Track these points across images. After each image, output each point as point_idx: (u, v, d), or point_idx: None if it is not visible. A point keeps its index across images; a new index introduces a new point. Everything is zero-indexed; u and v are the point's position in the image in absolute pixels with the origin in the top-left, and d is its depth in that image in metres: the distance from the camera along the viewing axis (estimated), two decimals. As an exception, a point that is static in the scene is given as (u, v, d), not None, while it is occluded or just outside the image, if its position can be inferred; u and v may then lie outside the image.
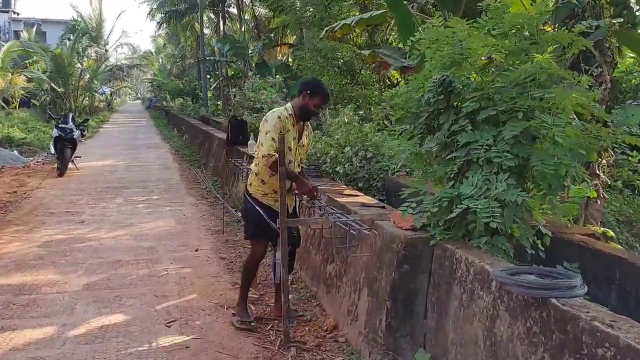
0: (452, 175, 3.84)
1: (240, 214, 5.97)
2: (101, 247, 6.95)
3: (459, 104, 4.01)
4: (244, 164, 7.74)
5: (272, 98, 15.42)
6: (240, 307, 4.67)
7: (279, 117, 4.35)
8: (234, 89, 21.90)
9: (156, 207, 9.60)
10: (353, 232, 3.82)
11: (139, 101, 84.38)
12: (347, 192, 5.71)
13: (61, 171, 12.84)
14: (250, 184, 4.53)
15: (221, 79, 29.03)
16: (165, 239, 7.41)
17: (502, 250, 3.61)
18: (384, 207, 4.94)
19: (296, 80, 21.48)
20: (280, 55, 28.63)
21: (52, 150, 13.25)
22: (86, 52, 40.86)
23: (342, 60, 12.00)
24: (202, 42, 30.91)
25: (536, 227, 3.81)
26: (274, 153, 4.24)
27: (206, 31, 41.14)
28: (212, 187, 11.34)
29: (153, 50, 70.93)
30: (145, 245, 7.10)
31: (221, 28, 31.62)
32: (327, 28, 9.84)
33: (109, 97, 54.89)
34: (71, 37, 37.45)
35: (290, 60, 27.52)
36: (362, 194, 5.77)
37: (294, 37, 26.00)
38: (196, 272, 5.98)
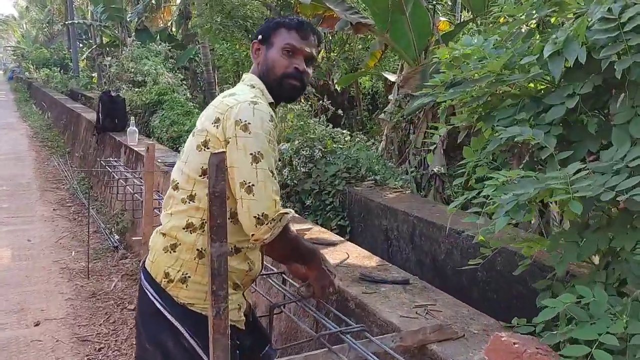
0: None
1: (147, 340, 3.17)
2: None
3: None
4: (120, 167, 4.96)
5: (157, 69, 12.42)
6: None
7: (271, 118, 1.79)
8: (108, 58, 18.47)
9: (-12, 225, 6.51)
10: None
11: (1, 71, 75.68)
12: (310, 234, 3.19)
13: None
14: (172, 279, 1.82)
15: (94, 47, 25.00)
16: (-14, 295, 4.50)
17: None
18: (407, 281, 2.47)
19: (183, 49, 18.47)
20: (162, 23, 25.29)
21: None
22: None
23: (250, 21, 9.27)
24: (70, 2, 26.55)
25: None
26: (284, 210, 1.78)
27: (77, -7, 36.30)
28: (77, 188, 8.30)
29: (16, 15, 63.47)
30: (-54, 314, 4.17)
31: (94, -11, 27.39)
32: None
33: (-40, 65, 47.88)
34: None
35: (174, 29, 24.25)
36: (338, 236, 3.25)
37: (178, 0, 22.84)
38: (28, 389, 3.23)
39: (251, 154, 1.70)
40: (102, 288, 4.70)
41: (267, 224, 1.71)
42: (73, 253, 5.59)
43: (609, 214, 1.76)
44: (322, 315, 2.10)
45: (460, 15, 11.35)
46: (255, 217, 1.70)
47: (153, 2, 22.25)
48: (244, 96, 1.80)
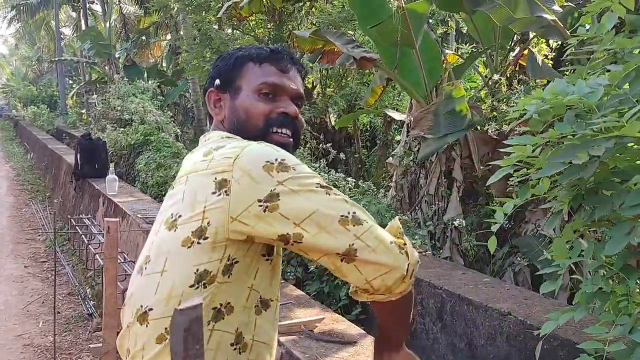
0: None
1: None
2: None
3: None
4: (93, 228, 4.29)
5: (144, 107, 11.85)
6: None
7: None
8: (94, 96, 17.91)
9: (-53, 288, 5.79)
10: None
11: (-10, 109, 75.23)
12: (321, 326, 2.52)
13: None
14: None
15: (82, 84, 24.50)
16: None
17: None
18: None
19: (174, 85, 18.00)
20: (153, 58, 24.99)
21: None
22: None
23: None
24: (57, 38, 26.29)
25: None
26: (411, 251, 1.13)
27: (67, 31, 36.06)
28: (54, 240, 7.56)
29: (6, 53, 63.43)
30: None
31: (82, 27, 27.06)
32: (228, 3, 6.58)
33: (-53, 103, 47.52)
34: None
35: (164, 64, 23.85)
36: (357, 328, 2.57)
37: (169, 36, 22.52)
38: None
39: (317, 186, 1.11)
40: (70, 372, 3.99)
41: (406, 244, 1.13)
42: (41, 324, 4.88)
43: None
44: None
45: (454, 46, 10.90)
46: (391, 242, 1.11)
47: (143, 37, 21.91)
48: (240, 142, 1.19)
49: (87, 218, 4.89)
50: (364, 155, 10.28)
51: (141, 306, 1.17)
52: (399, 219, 1.18)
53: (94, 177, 7.26)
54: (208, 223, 1.10)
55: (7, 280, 6.06)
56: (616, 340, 1.18)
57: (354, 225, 1.08)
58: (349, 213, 1.09)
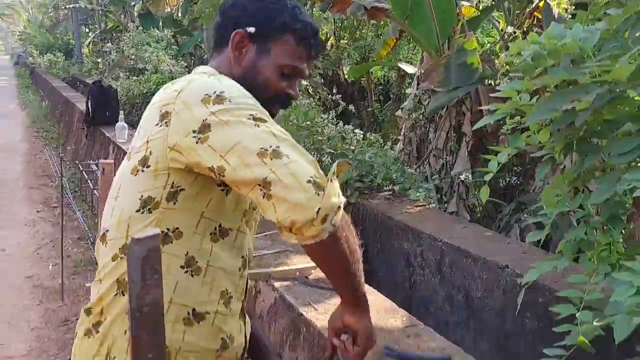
0: None
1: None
2: None
3: None
4: (99, 173, 4.31)
5: (158, 56, 11.75)
6: None
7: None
8: (109, 44, 17.78)
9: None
10: None
11: (8, 56, 75.34)
12: (315, 273, 2.53)
13: None
14: None
15: (97, 32, 24.34)
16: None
17: None
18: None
19: (189, 36, 17.79)
20: (169, 8, 24.64)
21: None
22: None
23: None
24: (72, -14, 25.93)
25: None
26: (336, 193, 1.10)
27: (82, -23, 35.65)
28: (66, 186, 7.64)
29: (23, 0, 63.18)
30: None
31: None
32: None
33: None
34: None
35: (180, 14, 23.57)
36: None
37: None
38: None
39: (249, 117, 1.12)
40: (77, 313, 4.05)
41: (327, 187, 1.07)
42: (50, 267, 4.98)
43: None
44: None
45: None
46: (309, 181, 1.06)
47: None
48: (193, 76, 1.25)
49: (95, 164, 4.93)
50: (377, 109, 10.18)
51: (103, 228, 1.28)
52: (341, 165, 1.16)
53: (105, 124, 7.28)
54: (150, 152, 1.17)
55: (20, 224, 6.17)
56: (604, 292, 1.17)
57: (271, 159, 1.06)
58: (270, 146, 1.07)
